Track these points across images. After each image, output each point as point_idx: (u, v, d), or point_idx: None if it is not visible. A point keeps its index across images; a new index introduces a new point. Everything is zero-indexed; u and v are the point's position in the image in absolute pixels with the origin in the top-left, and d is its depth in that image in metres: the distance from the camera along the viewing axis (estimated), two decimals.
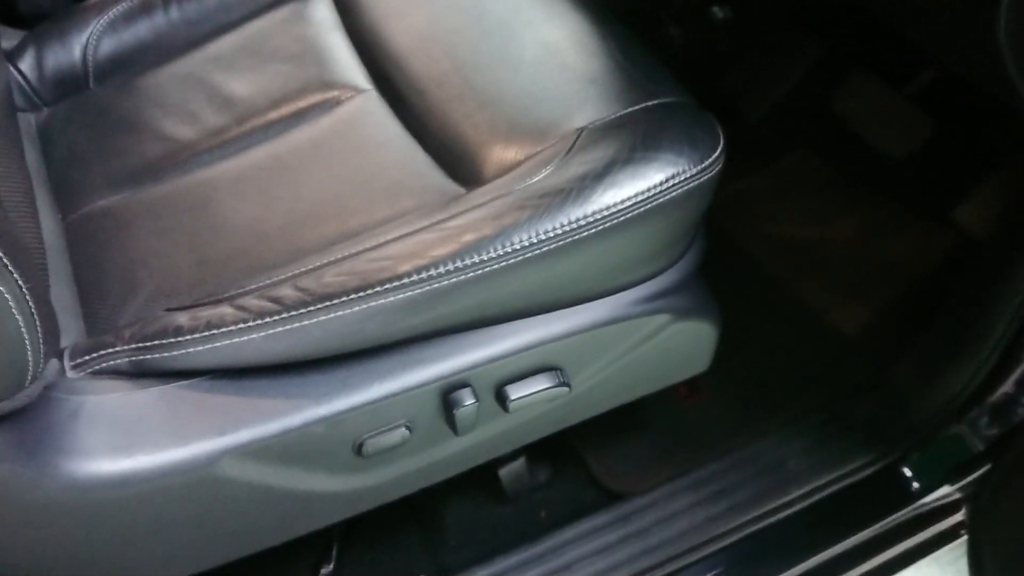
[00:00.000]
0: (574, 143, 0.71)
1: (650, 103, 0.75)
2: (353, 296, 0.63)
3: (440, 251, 0.64)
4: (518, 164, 0.73)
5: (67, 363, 0.64)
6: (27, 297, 0.50)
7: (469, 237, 0.65)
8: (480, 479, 0.92)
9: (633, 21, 0.88)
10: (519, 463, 0.91)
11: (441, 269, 0.64)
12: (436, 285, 0.64)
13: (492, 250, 0.64)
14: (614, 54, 0.79)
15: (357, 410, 0.67)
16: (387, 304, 0.63)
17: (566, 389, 0.75)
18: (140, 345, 0.64)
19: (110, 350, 0.64)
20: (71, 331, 0.71)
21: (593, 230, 0.66)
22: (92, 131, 0.86)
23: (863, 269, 1.16)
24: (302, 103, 0.85)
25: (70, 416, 0.60)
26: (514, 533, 0.94)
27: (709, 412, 1.04)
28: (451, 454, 0.76)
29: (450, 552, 0.91)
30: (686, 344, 0.84)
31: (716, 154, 0.71)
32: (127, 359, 0.64)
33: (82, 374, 0.64)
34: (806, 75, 1.35)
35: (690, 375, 0.90)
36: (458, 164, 0.76)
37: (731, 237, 1.22)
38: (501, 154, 0.74)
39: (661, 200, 0.68)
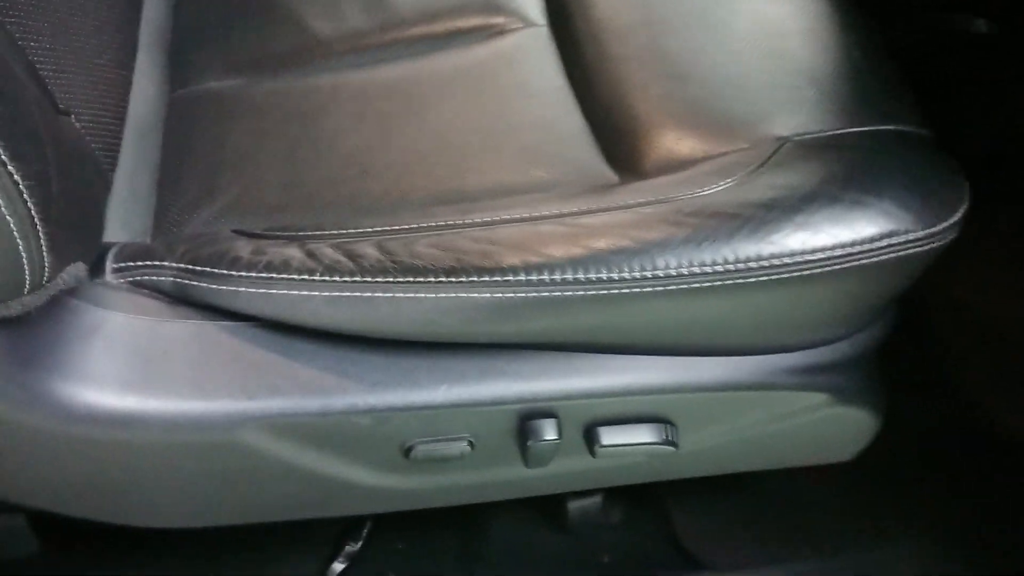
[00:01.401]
0: (770, 156, 0.55)
1: (880, 127, 0.57)
2: (443, 279, 0.50)
3: (560, 252, 0.50)
4: (690, 163, 0.57)
5: (110, 263, 0.55)
6: (24, 194, 0.40)
7: (602, 244, 0.50)
8: (543, 498, 0.79)
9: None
10: (594, 501, 0.78)
11: (556, 276, 0.50)
12: (544, 293, 0.50)
13: (626, 269, 0.50)
14: (850, 52, 0.61)
15: (414, 411, 0.55)
16: (479, 300, 0.50)
17: (671, 449, 0.61)
18: (189, 267, 0.54)
19: (159, 262, 0.55)
20: (134, 224, 0.61)
21: (763, 277, 0.50)
22: (226, 2, 0.76)
23: None
24: (458, 23, 0.71)
25: (88, 331, 0.51)
26: (565, 568, 0.81)
27: (833, 498, 0.86)
28: (514, 479, 0.64)
29: (487, 567, 0.80)
30: (835, 430, 0.67)
31: (955, 218, 0.53)
32: (172, 278, 0.54)
33: (122, 281, 0.54)
34: None
35: (827, 462, 0.73)
36: (616, 141, 0.62)
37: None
38: (672, 143, 0.59)
39: (864, 261, 0.51)
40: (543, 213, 0.53)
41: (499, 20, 0.71)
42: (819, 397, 0.61)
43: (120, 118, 0.63)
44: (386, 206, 0.58)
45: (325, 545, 0.78)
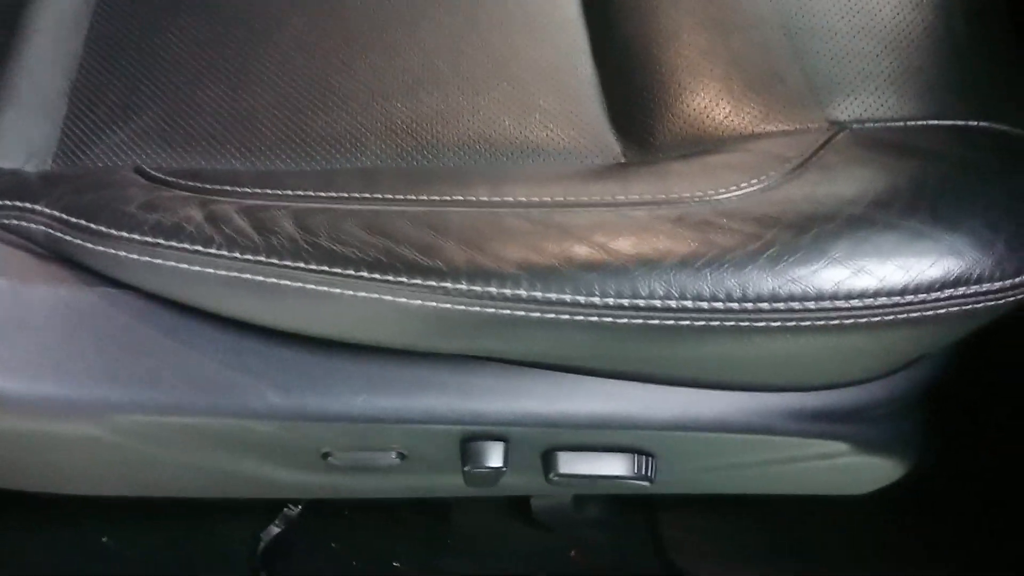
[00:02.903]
0: (817, 150, 0.42)
1: (971, 123, 0.43)
2: (364, 275, 0.39)
3: (516, 256, 0.39)
4: (714, 142, 0.44)
5: None
6: None
7: (571, 254, 0.39)
8: None
9: None
10: (563, 501, 0.68)
11: (507, 290, 0.38)
12: (490, 310, 0.39)
13: (596, 292, 0.38)
14: (951, 18, 0.46)
15: (327, 421, 0.45)
16: (408, 307, 0.39)
17: (645, 484, 0.51)
18: (63, 216, 0.43)
19: (30, 204, 0.44)
20: (35, 141, 0.51)
21: (776, 323, 0.38)
22: None
23: None
24: None
25: None
26: (530, 561, 0.73)
27: (847, 525, 0.76)
28: (455, 487, 0.54)
29: (444, 551, 0.72)
30: (852, 475, 0.56)
31: None
32: (44, 227, 0.44)
33: None
34: None
35: (839, 493, 0.62)
36: (628, 99, 0.48)
37: None
38: (697, 111, 0.46)
39: (915, 315, 0.39)
40: (508, 198, 0.41)
41: None
42: (835, 446, 0.50)
43: None
44: (327, 154, 0.47)
45: (264, 506, 0.71)
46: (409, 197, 0.42)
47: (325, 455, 0.48)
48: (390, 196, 0.42)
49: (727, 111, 0.45)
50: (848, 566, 0.74)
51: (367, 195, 0.42)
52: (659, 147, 0.46)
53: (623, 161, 0.46)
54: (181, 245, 0.41)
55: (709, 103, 0.46)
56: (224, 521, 0.71)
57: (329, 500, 0.69)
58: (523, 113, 0.49)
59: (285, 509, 0.70)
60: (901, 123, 0.43)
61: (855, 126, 0.43)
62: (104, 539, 0.70)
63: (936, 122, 0.43)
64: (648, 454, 0.50)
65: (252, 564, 0.69)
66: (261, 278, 0.41)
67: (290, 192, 0.43)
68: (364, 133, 0.48)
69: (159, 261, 0.41)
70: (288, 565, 0.70)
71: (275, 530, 0.70)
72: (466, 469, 0.47)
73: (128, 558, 0.69)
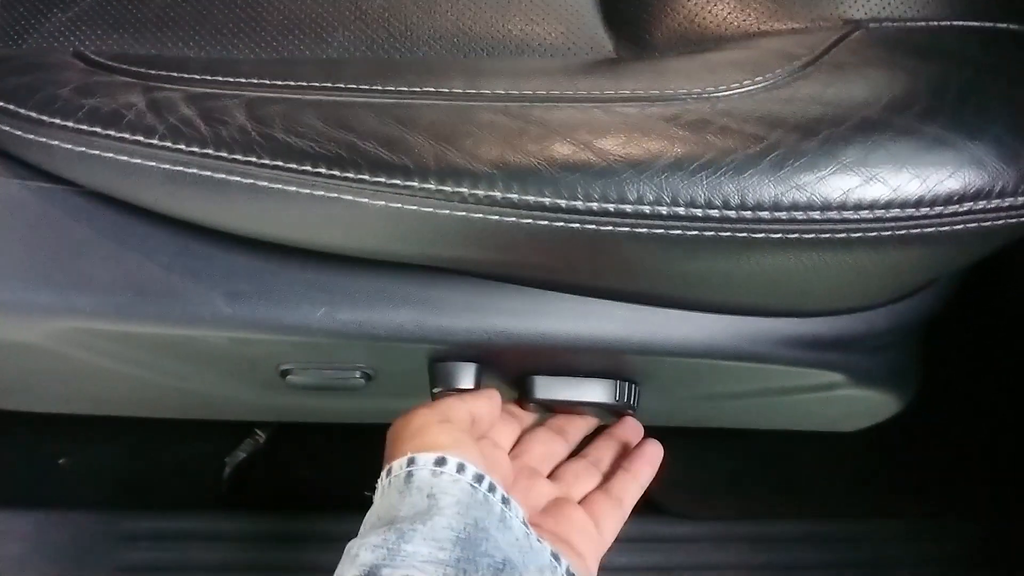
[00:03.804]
0: (829, 48, 0.38)
1: (998, 25, 0.39)
2: (323, 171, 0.35)
3: (492, 153, 0.35)
4: (717, 40, 0.40)
5: None
6: None
7: (552, 152, 0.35)
8: None
9: None
10: None
11: (480, 191, 0.35)
12: (460, 212, 0.35)
13: (579, 195, 0.34)
14: None
15: (284, 336, 0.41)
16: (370, 208, 0.36)
17: (628, 413, 0.48)
18: None
19: None
20: None
21: (776, 235, 0.35)
22: None
23: None
24: None
25: None
26: None
27: (822, 457, 0.74)
28: None
29: None
30: (845, 409, 0.53)
31: None
32: None
33: None
34: None
35: (829, 430, 0.60)
36: None
37: None
38: (698, 5, 0.41)
39: (929, 230, 0.35)
40: (485, 91, 0.37)
41: None
42: (830, 377, 0.47)
43: None
44: (288, 43, 0.42)
45: (230, 430, 0.68)
46: (375, 88, 0.38)
47: (285, 373, 0.45)
48: (354, 86, 0.38)
49: (731, 6, 0.41)
50: (822, 499, 0.72)
51: (329, 85, 0.38)
52: (656, 46, 0.42)
53: (616, 58, 0.42)
54: (119, 134, 0.37)
55: None
56: (188, 445, 0.68)
57: (296, 426, 0.66)
58: (506, 4, 0.44)
59: (251, 435, 0.67)
60: (922, 23, 0.39)
61: (871, 25, 0.39)
62: (61, 460, 0.67)
63: (960, 23, 0.39)
64: (631, 381, 0.47)
65: (217, 490, 0.66)
66: (208, 173, 0.37)
67: (243, 80, 0.39)
68: (330, 21, 0.43)
69: (95, 152, 0.37)
70: (255, 491, 0.67)
71: (241, 455, 0.68)
72: (435, 391, 0.44)
73: (86, 480, 0.66)
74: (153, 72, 0.39)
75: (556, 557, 0.37)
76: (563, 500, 0.43)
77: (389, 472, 0.37)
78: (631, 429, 0.48)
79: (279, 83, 0.38)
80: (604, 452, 0.47)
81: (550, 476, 0.45)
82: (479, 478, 0.36)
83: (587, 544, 0.41)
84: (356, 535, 0.36)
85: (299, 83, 0.38)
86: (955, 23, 0.39)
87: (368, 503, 0.38)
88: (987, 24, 0.39)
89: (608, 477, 0.46)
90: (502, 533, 0.35)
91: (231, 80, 0.39)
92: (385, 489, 0.37)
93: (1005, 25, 0.39)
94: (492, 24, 0.43)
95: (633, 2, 0.43)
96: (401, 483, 0.36)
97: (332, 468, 0.68)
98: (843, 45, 0.38)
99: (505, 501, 0.37)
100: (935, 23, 0.39)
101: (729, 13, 0.41)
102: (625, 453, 0.47)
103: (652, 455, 0.46)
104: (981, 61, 0.38)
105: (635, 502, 0.45)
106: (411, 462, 0.36)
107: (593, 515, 0.43)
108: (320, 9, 0.43)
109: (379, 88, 0.38)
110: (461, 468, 0.36)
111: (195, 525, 0.62)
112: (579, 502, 0.44)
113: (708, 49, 0.40)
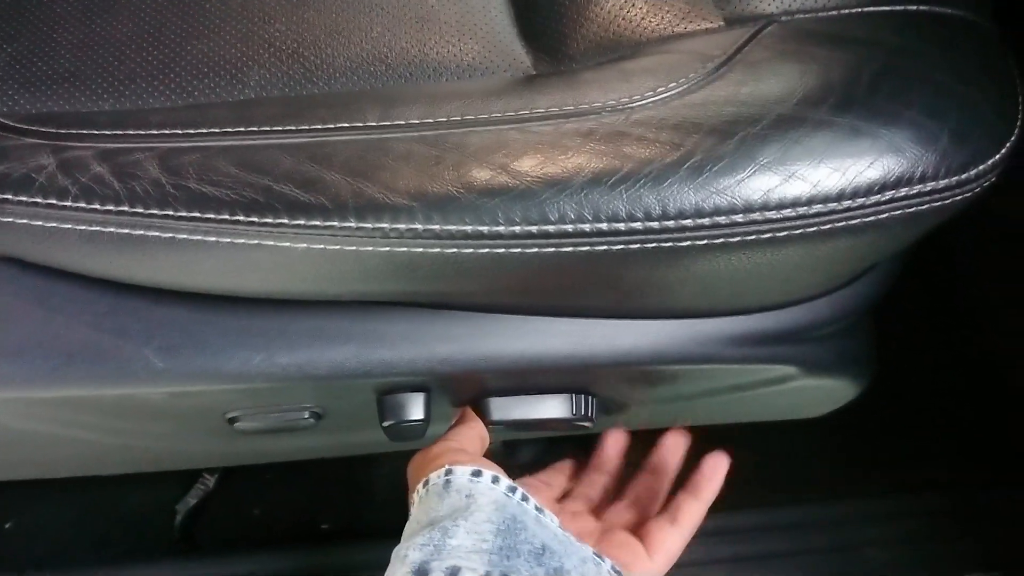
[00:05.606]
0: (742, 46, 0.38)
1: (910, 8, 0.39)
2: (241, 219, 0.35)
3: (409, 185, 0.34)
4: (633, 46, 0.40)
5: None
6: None
7: (470, 179, 0.34)
8: None
9: None
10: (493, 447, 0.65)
11: (401, 224, 0.34)
12: (383, 248, 0.35)
13: (501, 220, 0.34)
14: None
15: (225, 385, 0.40)
16: (292, 251, 0.35)
17: (587, 425, 0.47)
18: None
19: None
20: None
21: (701, 242, 0.34)
22: None
23: None
24: None
25: None
26: None
27: (813, 444, 0.73)
28: (380, 442, 0.50)
29: (372, 506, 0.68)
30: (803, 398, 0.53)
31: (996, 157, 0.36)
32: None
33: None
34: None
35: (796, 417, 0.60)
36: (538, 5, 0.43)
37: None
38: (614, 10, 0.41)
39: (855, 221, 0.35)
40: (399, 121, 0.37)
41: None
42: (782, 370, 0.47)
43: None
44: (204, 87, 0.42)
45: (178, 477, 0.67)
46: (288, 128, 0.37)
47: (232, 420, 0.44)
48: (267, 128, 0.37)
49: (644, 10, 0.41)
50: (785, 485, 0.72)
51: (241, 129, 0.37)
52: (573, 56, 0.41)
53: (533, 74, 0.42)
54: (31, 199, 0.36)
55: (624, 2, 0.41)
56: (137, 495, 0.67)
57: (245, 466, 0.65)
58: (421, 28, 0.43)
59: (200, 479, 0.66)
60: (834, 11, 0.39)
61: (784, 18, 0.39)
62: (7, 525, 0.66)
63: (872, 8, 0.39)
64: (586, 392, 0.46)
65: (170, 537, 0.65)
66: (126, 230, 0.36)
67: (154, 132, 0.38)
68: (244, 60, 0.43)
69: (9, 219, 0.36)
70: (207, 535, 0.67)
71: (191, 501, 0.67)
72: (385, 424, 0.43)
73: (34, 540, 0.65)
74: (63, 132, 0.39)
75: (599, 556, 0.37)
76: (608, 528, 0.44)
77: (426, 483, 0.38)
78: (665, 451, 0.48)
79: (191, 131, 0.38)
80: (641, 488, 0.47)
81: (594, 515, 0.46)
82: (512, 489, 0.38)
83: (634, 561, 0.41)
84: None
85: (211, 129, 0.38)
86: (867, 9, 0.39)
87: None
88: (898, 8, 0.39)
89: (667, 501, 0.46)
90: (539, 528, 0.36)
91: (142, 133, 0.38)
92: (423, 498, 0.38)
93: (916, 7, 0.39)
94: (408, 49, 0.42)
95: (548, 15, 0.43)
96: (440, 488, 0.37)
97: (283, 504, 0.67)
98: (756, 42, 0.38)
99: (539, 509, 0.37)
100: (846, 11, 0.39)
101: (643, 18, 0.41)
102: (661, 473, 0.47)
103: (710, 469, 0.45)
104: (894, 44, 0.38)
105: (698, 519, 0.45)
106: (448, 472, 0.38)
107: (643, 538, 0.43)
108: (233, 50, 0.43)
109: (292, 128, 0.37)
110: (496, 480, 0.38)
111: (150, 575, 0.61)
112: (630, 530, 0.44)
113: (624, 57, 0.40)
